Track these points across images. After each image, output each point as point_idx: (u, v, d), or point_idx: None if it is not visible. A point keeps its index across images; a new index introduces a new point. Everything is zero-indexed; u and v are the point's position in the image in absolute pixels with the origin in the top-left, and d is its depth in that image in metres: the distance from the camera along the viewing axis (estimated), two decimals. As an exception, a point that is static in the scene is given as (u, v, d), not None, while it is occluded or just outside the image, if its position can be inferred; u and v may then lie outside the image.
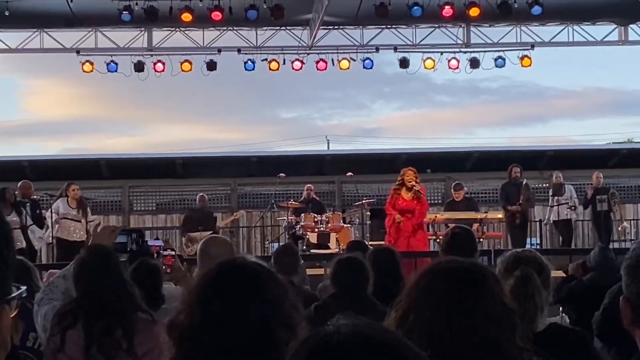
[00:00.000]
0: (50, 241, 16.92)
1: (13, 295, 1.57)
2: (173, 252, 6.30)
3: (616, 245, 19.01)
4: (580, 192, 20.00)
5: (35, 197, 17.14)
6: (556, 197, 18.48)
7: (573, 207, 18.67)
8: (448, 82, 70.36)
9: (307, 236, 17.69)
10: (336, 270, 6.19)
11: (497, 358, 2.47)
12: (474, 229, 9.49)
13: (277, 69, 21.01)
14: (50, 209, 16.73)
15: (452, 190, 18.22)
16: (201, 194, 20.23)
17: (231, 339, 2.26)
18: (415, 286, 2.58)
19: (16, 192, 16.58)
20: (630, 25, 21.25)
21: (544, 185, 19.74)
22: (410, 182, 15.75)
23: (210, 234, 17.77)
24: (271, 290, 2.37)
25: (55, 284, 5.16)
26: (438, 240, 15.58)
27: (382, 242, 15.80)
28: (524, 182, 17.67)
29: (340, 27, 20.81)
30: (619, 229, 19.29)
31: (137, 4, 18.49)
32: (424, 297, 2.53)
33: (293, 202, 18.83)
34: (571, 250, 17.17)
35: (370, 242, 14.91)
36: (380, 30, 20.99)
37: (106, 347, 4.61)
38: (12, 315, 1.56)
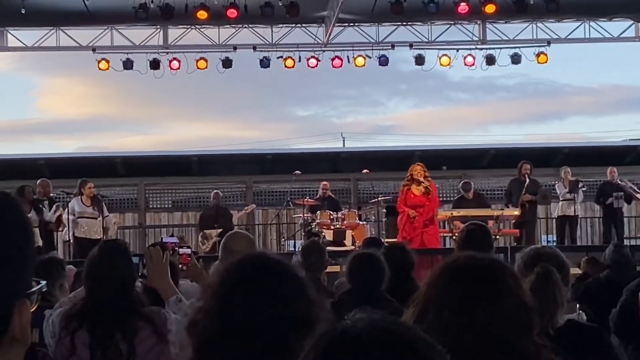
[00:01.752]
0: (67, 239, 16.97)
1: (33, 290, 1.58)
2: (189, 250, 6.28)
3: (632, 242, 18.99)
4: (592, 189, 19.92)
5: (52, 195, 17.18)
6: (572, 194, 18.37)
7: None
8: (464, 79, 70.00)
9: (323, 233, 17.69)
10: (352, 267, 6.19)
11: (514, 356, 2.47)
12: (489, 226, 9.47)
13: (293, 67, 21.02)
14: (67, 209, 16.78)
15: (462, 190, 18.16)
16: (215, 191, 20.28)
17: (250, 336, 2.27)
18: (433, 284, 2.57)
19: (34, 190, 16.64)
20: (647, 22, 21.17)
21: (553, 182, 19.66)
22: (418, 176, 15.86)
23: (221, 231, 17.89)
24: (290, 286, 2.38)
25: (65, 303, 5.17)
26: (454, 237, 15.57)
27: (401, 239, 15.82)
28: (527, 181, 17.63)
29: (356, 24, 20.79)
30: None
31: (152, 1, 18.51)
32: (442, 295, 2.52)
33: (309, 200, 18.84)
34: (588, 247, 17.12)
35: (385, 239, 14.91)
36: (395, 27, 20.96)
37: (108, 351, 4.61)
38: (32, 310, 1.58)
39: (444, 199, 23.94)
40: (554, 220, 19.68)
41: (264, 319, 2.29)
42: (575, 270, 9.49)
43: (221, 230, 17.92)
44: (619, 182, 18.42)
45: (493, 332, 2.45)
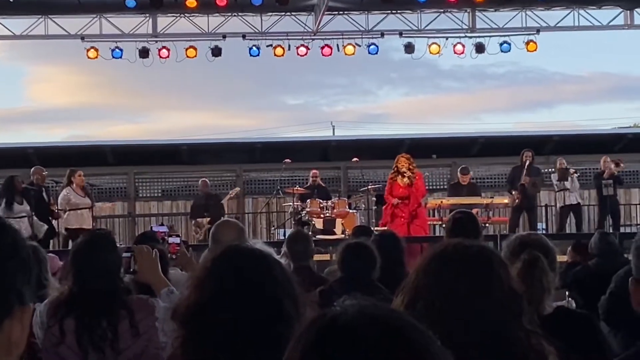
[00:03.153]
0: (58, 230, 16.94)
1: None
2: (178, 239, 6.28)
3: (622, 229, 19.02)
4: (585, 176, 19.98)
5: (46, 184, 17.13)
6: (563, 183, 18.45)
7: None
8: (455, 67, 70.27)
9: (313, 222, 17.73)
10: (344, 255, 6.20)
11: (504, 342, 2.48)
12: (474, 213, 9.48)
13: (282, 55, 20.97)
14: (58, 198, 16.73)
15: (459, 173, 18.18)
16: (203, 179, 20.26)
17: (242, 315, 2.30)
18: (422, 271, 2.57)
19: (22, 179, 16.59)
20: (636, 9, 21.15)
21: (550, 170, 19.71)
22: (402, 168, 15.94)
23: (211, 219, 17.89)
24: (279, 272, 2.41)
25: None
26: (444, 225, 15.62)
27: (387, 228, 15.87)
28: (526, 164, 17.74)
29: (345, 12, 20.74)
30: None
31: (141, -11, 18.46)
32: (432, 283, 2.52)
33: (299, 188, 18.83)
34: (577, 234, 17.15)
35: (375, 228, 14.93)
36: (385, 15, 20.91)
37: (94, 337, 4.63)
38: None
39: (434, 187, 24.01)
40: (546, 208, 19.78)
41: (255, 300, 2.33)
42: (563, 258, 9.53)
43: (210, 218, 17.93)
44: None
45: (483, 319, 2.45)
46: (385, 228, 15.21)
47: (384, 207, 16.64)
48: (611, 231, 11.08)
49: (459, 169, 18.41)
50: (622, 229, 19.35)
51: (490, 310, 2.48)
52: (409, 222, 16.08)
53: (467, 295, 2.48)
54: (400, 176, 16.09)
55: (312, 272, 7.24)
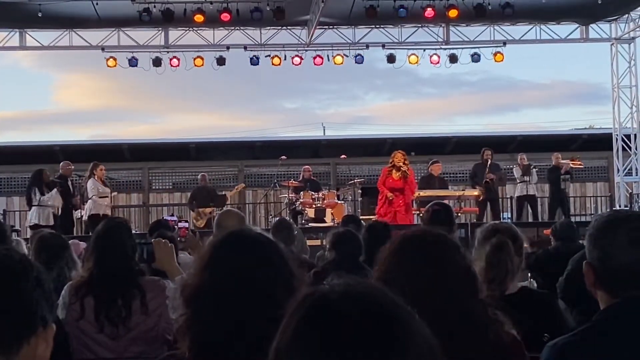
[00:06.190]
0: (80, 216, 16.91)
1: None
2: (187, 223, 6.29)
3: (577, 219, 19.04)
4: (542, 171, 19.97)
5: (72, 178, 17.11)
6: (525, 177, 18.48)
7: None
8: (433, 76, 70.48)
9: (306, 211, 17.73)
10: (335, 241, 6.28)
11: (463, 313, 2.58)
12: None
13: (279, 64, 20.93)
14: (83, 189, 16.74)
15: (431, 165, 18.06)
16: (202, 173, 20.23)
17: (238, 296, 2.28)
18: (388, 254, 2.69)
19: (50, 173, 16.55)
20: (591, 25, 21.20)
21: (512, 166, 19.74)
22: (398, 163, 15.92)
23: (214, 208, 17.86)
24: (274, 256, 2.39)
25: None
26: (421, 215, 15.63)
27: (372, 216, 15.87)
28: (489, 163, 17.73)
29: (335, 26, 20.72)
30: None
31: (155, 6, 18.41)
32: (395, 263, 2.64)
33: (293, 182, 18.82)
34: (538, 223, 17.19)
35: (361, 216, 14.94)
36: (369, 29, 20.91)
37: (111, 314, 4.65)
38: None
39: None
40: (511, 199, 19.78)
41: (251, 283, 2.32)
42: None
43: (215, 208, 17.90)
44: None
45: (441, 295, 2.54)
46: (372, 217, 15.22)
47: (379, 197, 16.50)
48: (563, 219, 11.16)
49: (430, 162, 18.27)
50: (578, 218, 19.41)
51: (446, 287, 2.57)
52: (398, 211, 16.04)
53: (424, 274, 2.57)
54: (395, 170, 16.04)
55: (294, 254, 7.25)
